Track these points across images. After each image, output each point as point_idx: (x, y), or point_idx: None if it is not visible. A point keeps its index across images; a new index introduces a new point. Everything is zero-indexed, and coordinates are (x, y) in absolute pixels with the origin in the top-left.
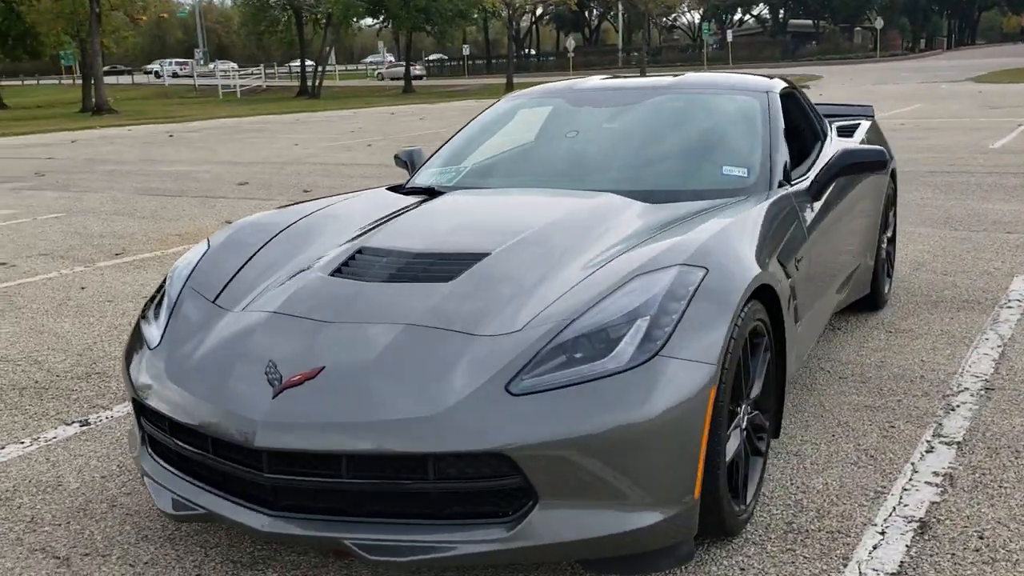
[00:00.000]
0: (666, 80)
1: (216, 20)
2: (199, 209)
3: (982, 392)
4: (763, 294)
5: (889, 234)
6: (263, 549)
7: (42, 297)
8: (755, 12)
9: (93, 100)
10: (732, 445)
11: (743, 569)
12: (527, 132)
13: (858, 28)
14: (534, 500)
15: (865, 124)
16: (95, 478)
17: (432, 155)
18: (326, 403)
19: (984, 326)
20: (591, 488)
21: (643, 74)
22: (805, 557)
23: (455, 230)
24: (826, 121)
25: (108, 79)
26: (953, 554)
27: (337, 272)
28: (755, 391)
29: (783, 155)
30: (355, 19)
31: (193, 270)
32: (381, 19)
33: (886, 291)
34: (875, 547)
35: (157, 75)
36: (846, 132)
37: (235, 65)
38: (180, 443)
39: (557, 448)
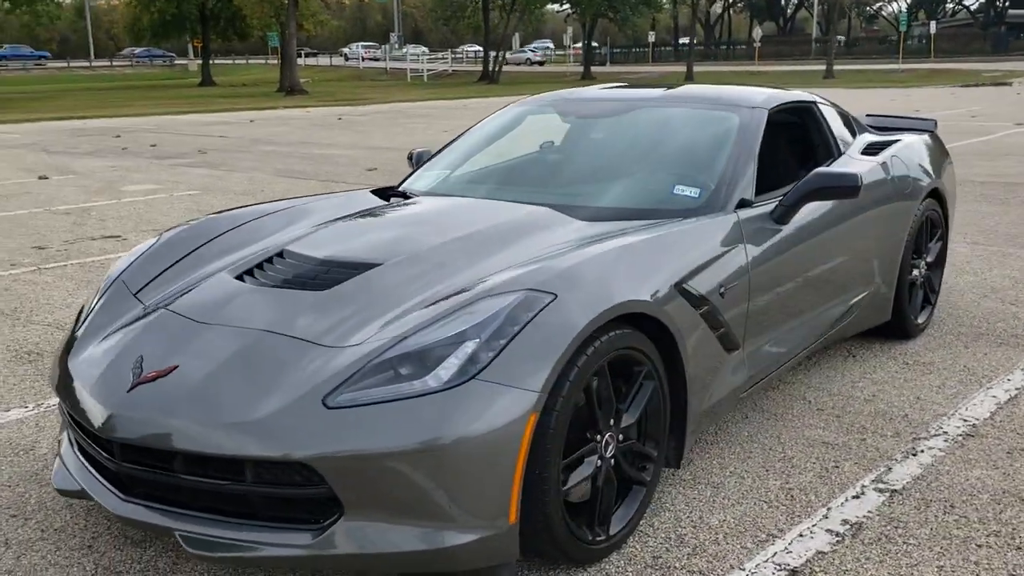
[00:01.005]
0: (656, 92)
1: (413, 5)
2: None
3: (959, 438)
4: (644, 322)
5: (929, 259)
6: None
7: None
8: (968, 2)
9: (287, 81)
10: (583, 472)
11: None
12: (529, 140)
13: None
14: (340, 511)
15: (909, 140)
16: None
17: (432, 156)
18: (168, 401)
19: (1015, 366)
20: (399, 504)
21: (829, 68)
22: None
23: (371, 238)
24: (860, 136)
25: (310, 61)
26: None
27: (246, 274)
28: (627, 420)
29: (747, 176)
30: (539, 5)
31: (131, 264)
32: (566, 5)
33: (920, 320)
34: None
35: (347, 58)
36: (875, 149)
37: (425, 49)
38: (73, 425)
39: (363, 463)
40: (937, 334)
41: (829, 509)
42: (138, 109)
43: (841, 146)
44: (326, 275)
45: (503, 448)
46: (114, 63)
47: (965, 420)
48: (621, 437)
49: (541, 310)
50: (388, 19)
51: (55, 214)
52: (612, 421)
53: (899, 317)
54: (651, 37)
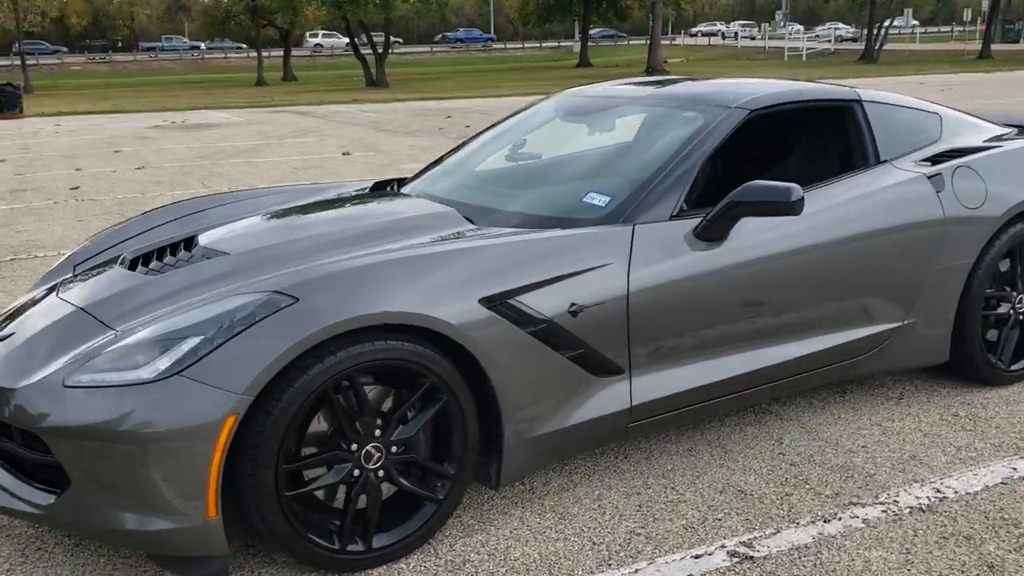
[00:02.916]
0: (647, 91)
1: None
2: None
3: (907, 511)
4: (432, 336)
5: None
6: None
7: None
8: None
9: (652, 61)
10: (329, 479)
11: None
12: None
13: None
14: (68, 482)
15: (1011, 146)
16: None
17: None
18: None
19: None
20: (112, 485)
21: None
22: None
23: (255, 230)
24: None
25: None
26: None
27: (142, 257)
28: (404, 433)
29: (679, 185)
30: None
31: (89, 243)
32: None
33: (1015, 366)
34: None
35: (724, 36)
36: (948, 158)
37: (800, 28)
38: None
39: (78, 441)
40: None
41: (650, 562)
42: (501, 90)
43: (886, 151)
44: (187, 262)
45: (197, 446)
46: (507, 45)
47: (939, 491)
48: (395, 449)
49: (274, 313)
50: None
51: None
52: (378, 432)
53: (965, 359)
54: None
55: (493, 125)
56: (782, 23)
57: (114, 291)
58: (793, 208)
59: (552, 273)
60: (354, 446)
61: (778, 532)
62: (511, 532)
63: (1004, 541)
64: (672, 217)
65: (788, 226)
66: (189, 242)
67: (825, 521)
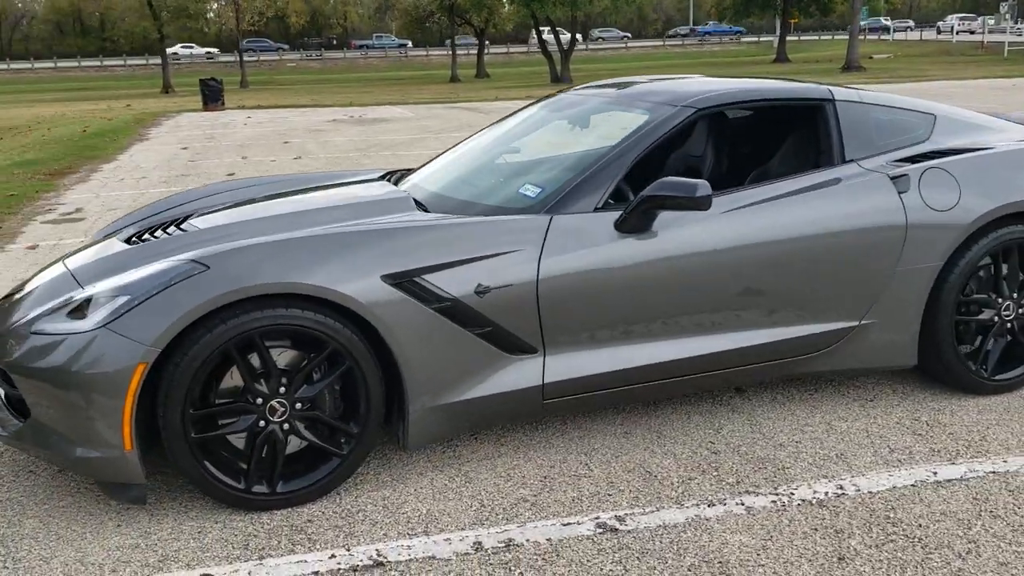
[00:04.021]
0: (612, 92)
1: None
2: None
3: (801, 503)
4: (336, 307)
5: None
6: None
7: None
8: None
9: (849, 57)
10: (237, 427)
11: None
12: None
13: None
14: (28, 413)
15: (995, 151)
16: None
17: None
18: None
19: None
20: (58, 418)
21: None
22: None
23: (239, 212)
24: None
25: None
26: None
27: (140, 232)
28: (307, 392)
29: (608, 179)
30: None
31: (133, 212)
32: None
33: (999, 376)
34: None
35: (939, 31)
36: (924, 159)
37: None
38: None
39: (29, 377)
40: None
41: (520, 525)
42: None
43: (854, 151)
44: (164, 237)
45: (115, 388)
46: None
47: (841, 488)
48: (299, 406)
49: (188, 277)
50: None
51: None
52: (283, 389)
53: (941, 366)
54: None
55: (498, 121)
56: (1008, 15)
57: (99, 257)
58: (699, 204)
59: (461, 255)
60: (259, 400)
61: (657, 511)
62: (416, 490)
63: (870, 538)
64: (596, 209)
65: (721, 222)
66: (182, 221)
67: (709, 505)
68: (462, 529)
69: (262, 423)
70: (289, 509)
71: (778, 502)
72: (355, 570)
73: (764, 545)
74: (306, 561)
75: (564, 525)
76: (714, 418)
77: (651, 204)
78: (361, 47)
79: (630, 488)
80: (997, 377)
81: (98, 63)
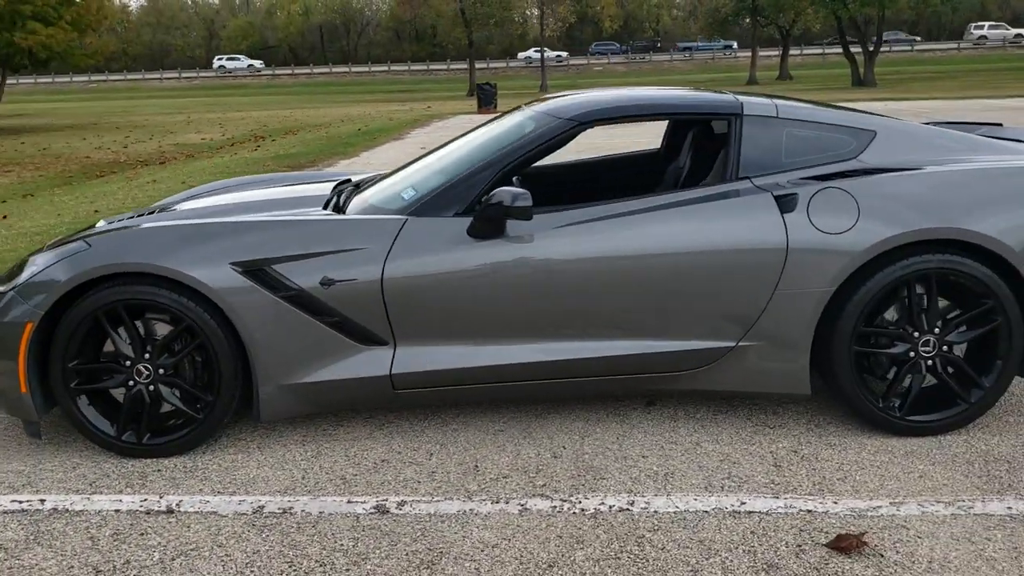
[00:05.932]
0: (544, 104)
1: None
2: None
3: (574, 511)
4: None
5: (953, 338)
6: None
7: None
8: None
9: None
10: (110, 384)
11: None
12: None
13: None
14: None
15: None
16: None
17: None
18: None
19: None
20: None
21: None
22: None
23: (214, 199)
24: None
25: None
26: None
27: (141, 213)
28: (166, 360)
29: (473, 186)
30: None
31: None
32: None
33: (917, 417)
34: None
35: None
36: (840, 176)
37: None
38: None
39: None
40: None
41: (314, 497)
42: (1001, 91)
43: (751, 167)
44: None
45: (13, 341)
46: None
47: (631, 503)
48: (162, 371)
49: (74, 255)
50: None
51: None
52: (147, 355)
53: (839, 396)
54: None
55: (480, 125)
56: None
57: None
58: (520, 213)
59: (312, 249)
60: (128, 362)
61: (442, 501)
62: (268, 458)
63: (598, 552)
64: (456, 215)
65: (568, 234)
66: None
67: (493, 502)
68: (269, 495)
69: (131, 383)
70: (152, 459)
71: (558, 508)
72: (148, 513)
73: (496, 543)
74: (120, 500)
75: (348, 503)
76: (585, 424)
77: (488, 212)
78: (685, 49)
79: (442, 479)
80: (911, 418)
81: (424, 67)
